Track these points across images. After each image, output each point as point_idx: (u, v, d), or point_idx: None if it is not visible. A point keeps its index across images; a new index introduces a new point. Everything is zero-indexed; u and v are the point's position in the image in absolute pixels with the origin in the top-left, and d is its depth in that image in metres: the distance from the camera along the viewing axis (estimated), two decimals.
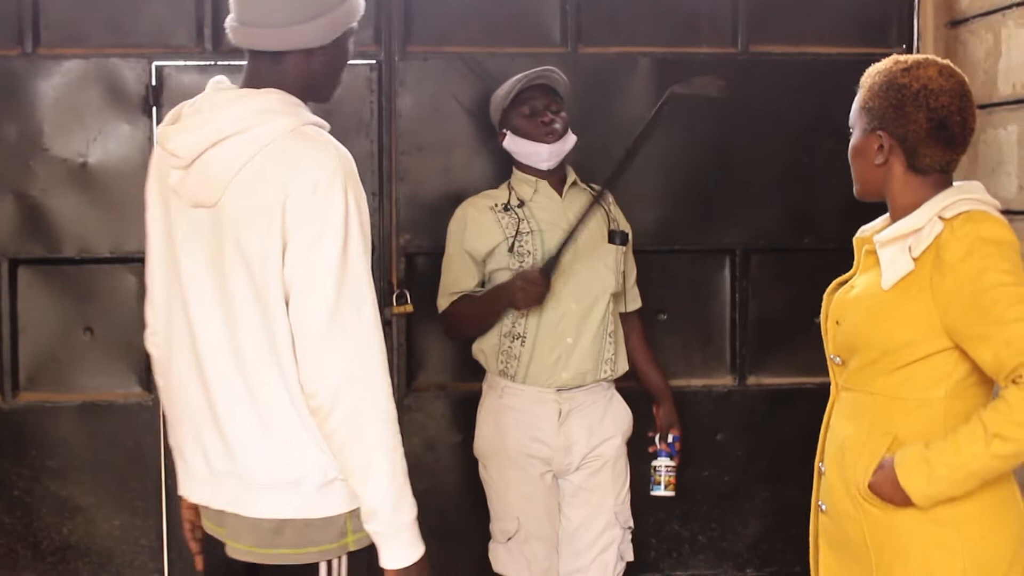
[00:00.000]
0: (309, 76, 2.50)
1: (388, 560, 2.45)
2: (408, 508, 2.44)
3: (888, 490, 2.53)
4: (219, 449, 2.49)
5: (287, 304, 2.37)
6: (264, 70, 2.48)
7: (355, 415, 2.36)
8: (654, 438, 3.94)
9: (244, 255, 2.37)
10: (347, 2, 2.49)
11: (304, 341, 2.36)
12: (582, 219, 3.54)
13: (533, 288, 3.54)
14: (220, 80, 2.53)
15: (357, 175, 2.39)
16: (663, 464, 3.90)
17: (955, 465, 2.45)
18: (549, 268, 3.55)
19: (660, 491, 3.91)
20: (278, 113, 2.39)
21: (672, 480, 3.92)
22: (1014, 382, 2.41)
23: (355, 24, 2.54)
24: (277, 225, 2.33)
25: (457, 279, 3.80)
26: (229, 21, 2.50)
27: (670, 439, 3.94)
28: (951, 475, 2.46)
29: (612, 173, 3.57)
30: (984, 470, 2.45)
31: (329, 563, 2.52)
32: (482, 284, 3.80)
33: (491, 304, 3.71)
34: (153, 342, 2.69)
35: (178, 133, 2.43)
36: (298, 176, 2.34)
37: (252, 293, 2.38)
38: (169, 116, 2.52)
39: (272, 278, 2.36)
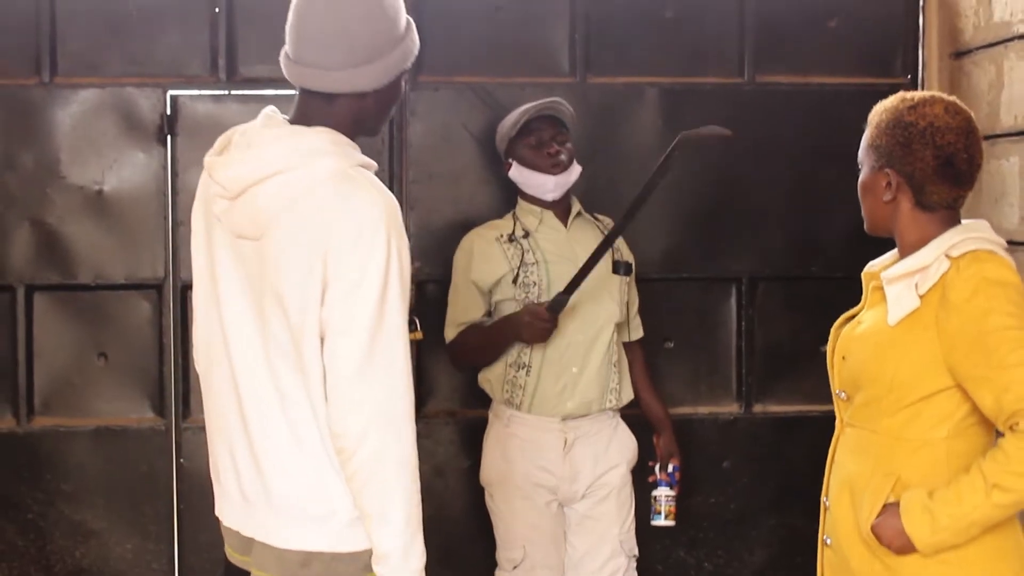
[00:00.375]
0: (361, 115, 2.51)
1: None
2: (418, 557, 2.44)
3: (891, 535, 2.55)
4: (253, 476, 2.50)
5: (322, 343, 2.37)
6: (316, 108, 2.49)
7: (377, 458, 2.36)
8: (654, 468, 3.95)
9: (283, 294, 2.37)
10: (401, 46, 2.49)
11: (336, 382, 2.37)
12: (592, 261, 3.53)
13: (539, 324, 3.57)
14: (272, 112, 2.54)
15: (401, 221, 2.39)
16: (663, 494, 3.91)
17: (957, 515, 2.47)
18: (557, 306, 3.57)
19: (660, 521, 3.91)
20: (327, 154, 2.38)
21: (672, 510, 3.92)
22: (1011, 429, 2.44)
23: (408, 65, 2.53)
24: (318, 269, 2.34)
25: (465, 310, 3.83)
26: (283, 56, 2.51)
27: (670, 469, 3.95)
28: (953, 524, 2.48)
29: (622, 217, 3.58)
30: (985, 519, 2.48)
31: None
32: (489, 314, 3.83)
33: (498, 336, 3.74)
34: (197, 359, 2.70)
35: (226, 165, 2.45)
36: (342, 222, 2.33)
37: (287, 329, 2.38)
38: (218, 143, 2.55)
39: (309, 319, 2.36)
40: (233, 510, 2.58)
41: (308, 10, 2.47)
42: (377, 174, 2.55)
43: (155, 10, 4.18)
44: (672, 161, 3.36)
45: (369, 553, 2.46)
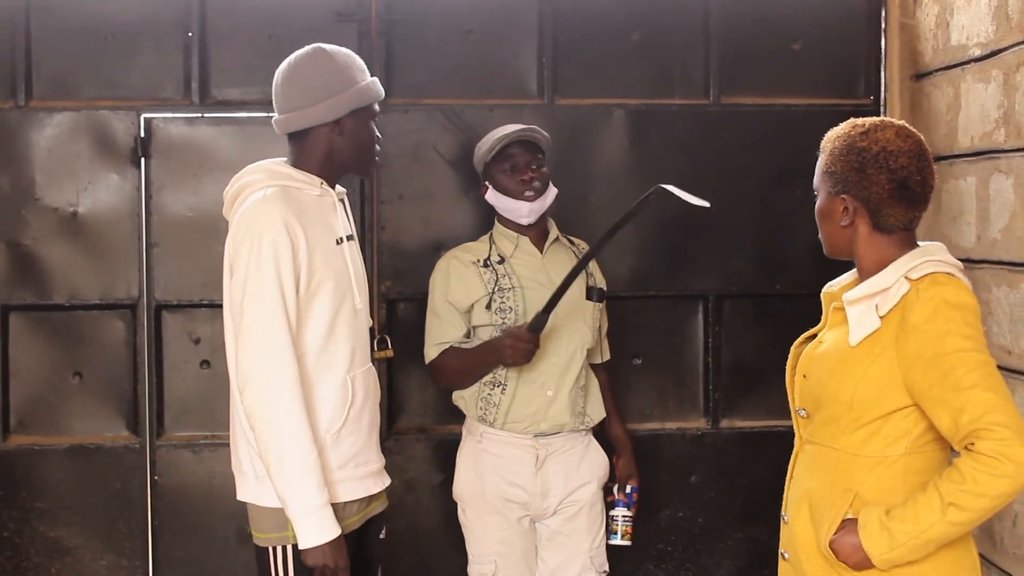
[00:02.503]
0: (331, 151, 3.14)
1: (300, 541, 2.92)
2: (308, 497, 2.90)
3: (849, 551, 2.59)
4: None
5: None
6: (294, 147, 3.17)
7: (251, 414, 2.92)
8: (612, 488, 3.99)
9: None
10: (349, 91, 3.11)
11: (233, 351, 2.99)
12: (566, 284, 3.55)
13: (522, 345, 3.60)
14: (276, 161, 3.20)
15: (269, 228, 2.94)
16: (620, 514, 3.96)
17: (914, 533, 2.51)
18: (537, 325, 3.60)
19: (616, 540, 3.95)
20: (255, 180, 3.10)
21: (628, 530, 3.96)
22: (967, 449, 2.47)
23: (368, 106, 3.17)
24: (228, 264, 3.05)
25: (443, 330, 3.84)
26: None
27: (628, 490, 3.99)
28: (910, 542, 2.51)
29: (590, 249, 3.62)
30: (941, 537, 2.51)
31: (275, 550, 3.05)
32: (467, 335, 3.85)
33: (480, 360, 3.76)
34: None
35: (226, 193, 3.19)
36: (232, 231, 3.03)
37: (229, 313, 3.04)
38: None
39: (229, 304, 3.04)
40: None
41: (279, 71, 3.17)
42: (348, 195, 3.19)
43: (129, 34, 4.23)
44: (644, 206, 3.40)
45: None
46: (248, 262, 2.93)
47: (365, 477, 3.18)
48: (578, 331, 3.82)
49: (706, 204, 3.28)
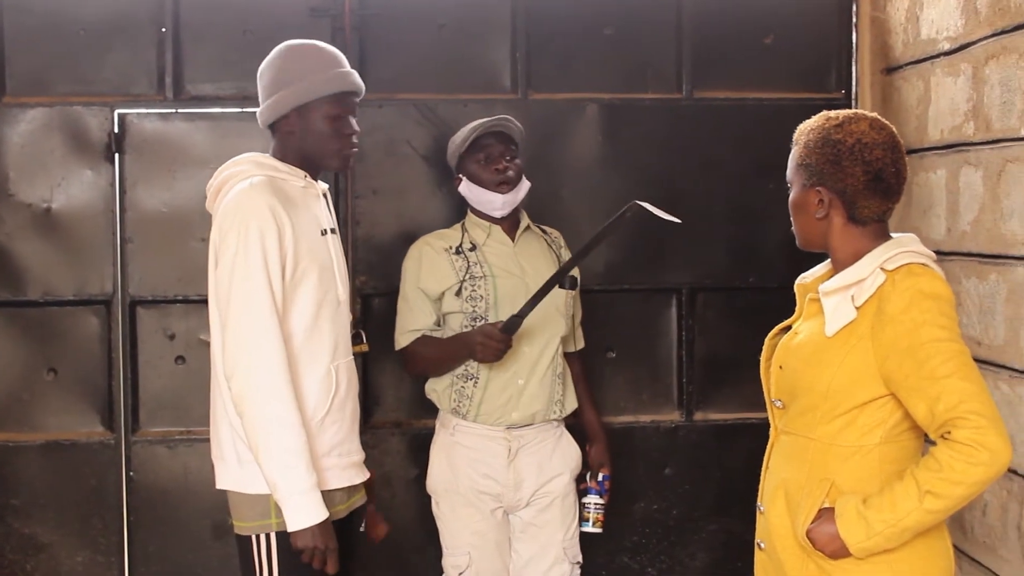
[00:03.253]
0: (299, 144, 3.19)
1: (288, 523, 2.94)
2: (296, 479, 2.92)
3: (826, 540, 2.62)
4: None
5: None
6: (274, 140, 3.25)
7: (239, 400, 2.94)
8: (585, 476, 4.01)
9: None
10: (295, 85, 3.15)
11: (219, 338, 3.00)
12: (546, 290, 3.56)
13: (493, 344, 3.61)
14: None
15: (256, 215, 2.99)
16: (592, 502, 3.97)
17: (891, 521, 2.54)
18: (511, 328, 3.61)
19: (588, 527, 3.97)
20: (238, 172, 3.13)
21: (600, 517, 3.98)
22: (943, 437, 2.51)
23: (323, 98, 3.17)
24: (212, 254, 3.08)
25: (415, 317, 3.85)
26: None
27: (600, 478, 4.00)
28: (887, 530, 2.54)
29: (566, 263, 3.64)
30: (918, 524, 2.54)
31: (258, 538, 3.06)
32: (438, 322, 3.86)
33: (452, 352, 3.77)
34: None
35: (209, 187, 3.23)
36: (218, 221, 3.06)
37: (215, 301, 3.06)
38: None
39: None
40: None
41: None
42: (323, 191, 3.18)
43: (102, 30, 4.22)
44: (620, 223, 3.43)
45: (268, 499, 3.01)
46: (236, 249, 2.96)
47: (348, 467, 3.21)
48: (551, 320, 3.83)
49: (677, 220, 3.37)
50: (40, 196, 4.21)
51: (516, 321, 3.59)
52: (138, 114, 4.24)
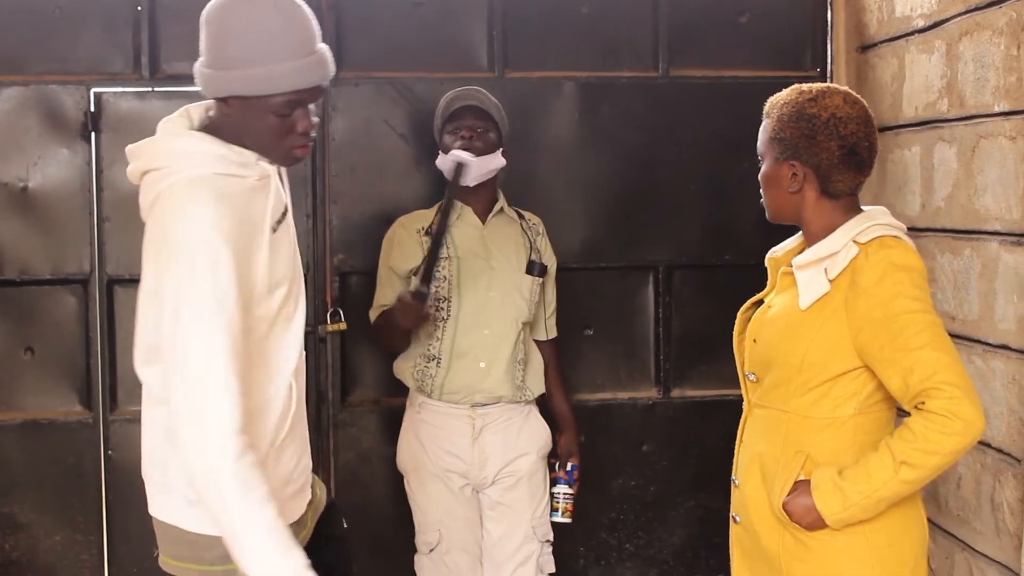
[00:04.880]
0: (230, 127, 2.52)
1: None
2: (279, 566, 2.35)
3: (802, 512, 2.65)
4: None
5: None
6: (215, 112, 2.58)
7: (192, 470, 2.36)
8: (554, 465, 4.03)
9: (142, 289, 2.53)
10: (248, 70, 2.44)
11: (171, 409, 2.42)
12: (433, 252, 3.64)
13: (408, 310, 3.63)
14: (182, 112, 2.62)
15: (225, 233, 2.37)
16: (561, 492, 3.99)
17: (866, 492, 2.57)
18: (420, 296, 3.62)
19: (557, 517, 3.99)
20: (189, 159, 2.48)
21: (569, 508, 4.00)
22: (917, 408, 2.54)
23: (264, 95, 2.47)
24: (151, 271, 2.47)
25: (383, 293, 3.91)
26: None
27: (568, 467, 4.02)
28: (863, 501, 2.57)
29: (438, 233, 3.69)
30: (893, 495, 2.58)
31: None
32: None
33: (388, 321, 3.79)
34: None
35: (131, 155, 2.59)
36: (161, 229, 2.43)
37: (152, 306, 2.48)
38: None
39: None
40: None
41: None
42: (299, 168, 2.61)
43: (78, 8, 4.20)
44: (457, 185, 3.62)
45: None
46: (182, 284, 2.36)
47: (304, 487, 2.74)
48: (513, 304, 3.85)
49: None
50: (16, 175, 4.19)
51: (423, 288, 3.62)
52: (114, 93, 4.22)
